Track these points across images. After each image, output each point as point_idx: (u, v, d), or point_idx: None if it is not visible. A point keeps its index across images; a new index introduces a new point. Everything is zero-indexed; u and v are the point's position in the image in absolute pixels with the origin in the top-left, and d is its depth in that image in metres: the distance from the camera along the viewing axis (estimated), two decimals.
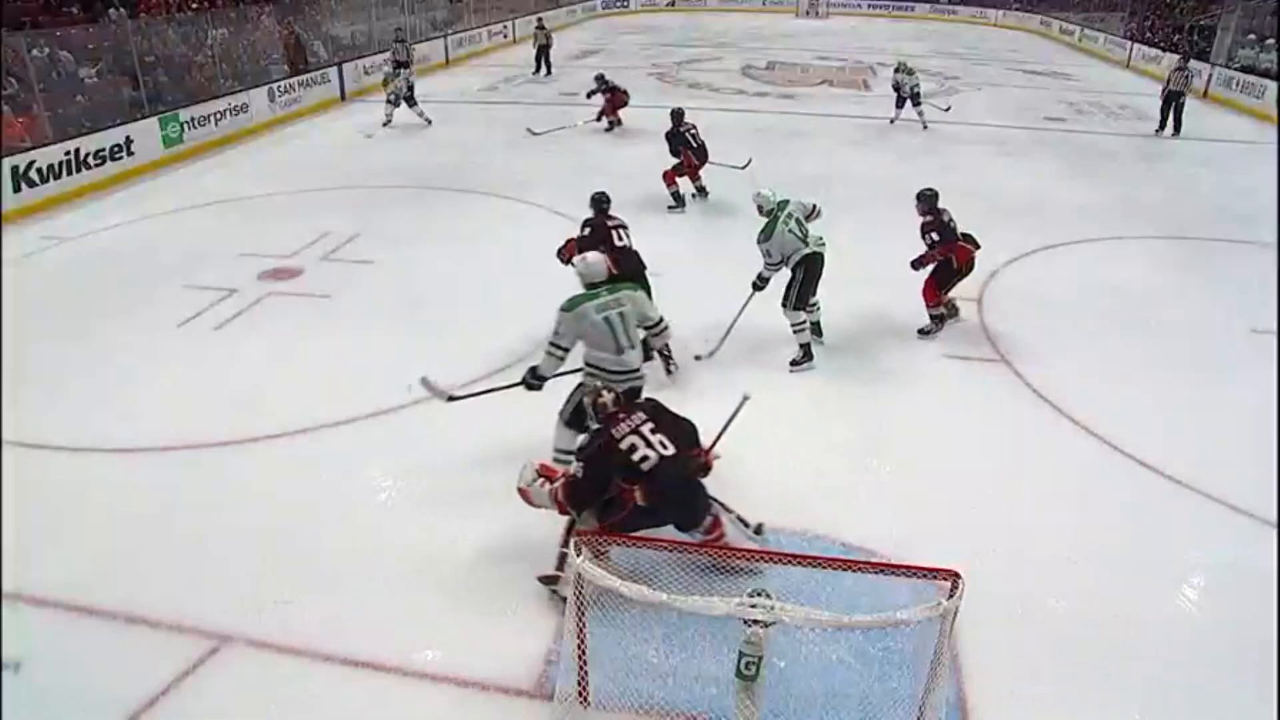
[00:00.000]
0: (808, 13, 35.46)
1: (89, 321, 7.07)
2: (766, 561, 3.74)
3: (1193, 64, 14.77)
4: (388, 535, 4.54)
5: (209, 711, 3.52)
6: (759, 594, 2.77)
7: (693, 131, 10.05)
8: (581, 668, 3.28)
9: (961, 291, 6.89)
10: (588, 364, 4.51)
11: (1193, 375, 6.36)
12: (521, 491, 3.87)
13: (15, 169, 9.71)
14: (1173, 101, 14.23)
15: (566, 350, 4.49)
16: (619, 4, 36.20)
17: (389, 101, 14.03)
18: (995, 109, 16.75)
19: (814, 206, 6.44)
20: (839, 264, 6.46)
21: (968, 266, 6.63)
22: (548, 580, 4.04)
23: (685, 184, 10.16)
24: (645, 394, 4.45)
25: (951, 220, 6.56)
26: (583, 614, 3.12)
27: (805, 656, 3.55)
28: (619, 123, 13.88)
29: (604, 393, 3.96)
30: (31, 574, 4.18)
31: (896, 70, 14.37)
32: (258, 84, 14.43)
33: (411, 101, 14.07)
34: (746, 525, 4.36)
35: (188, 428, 5.48)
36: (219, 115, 13.06)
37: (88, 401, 5.87)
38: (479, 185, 10.90)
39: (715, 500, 4.08)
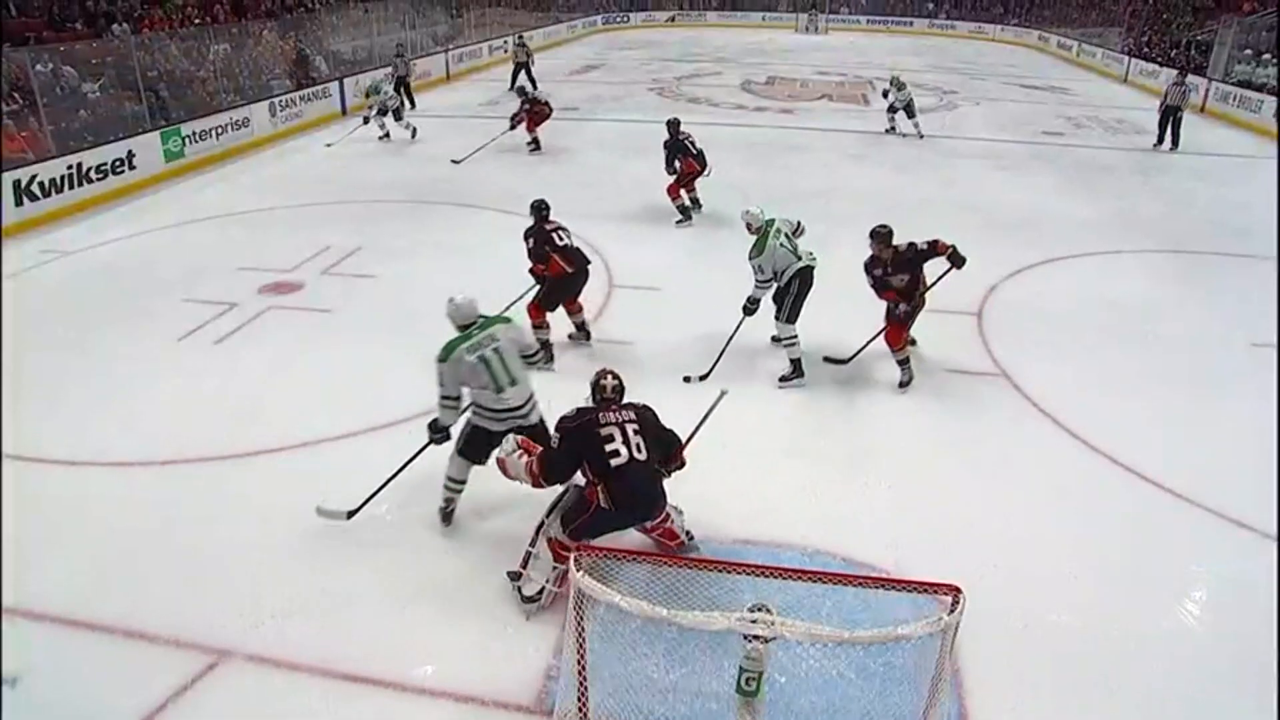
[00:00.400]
0: (807, 28, 35.72)
1: (89, 335, 7.08)
2: (767, 576, 3.73)
3: (1190, 79, 14.83)
4: (387, 549, 4.54)
5: None
6: (759, 609, 2.77)
7: (690, 139, 10.01)
8: (581, 683, 3.27)
9: (961, 305, 6.88)
10: (474, 403, 4.46)
11: (1192, 389, 6.36)
12: (500, 461, 4.13)
13: (17, 183, 9.74)
14: (1170, 116, 14.29)
15: (456, 398, 4.43)
16: (619, 19, 36.44)
17: (379, 113, 13.89)
18: (993, 123, 16.83)
19: (798, 224, 6.53)
20: (838, 276, 6.48)
21: (915, 305, 6.13)
22: (513, 576, 4.12)
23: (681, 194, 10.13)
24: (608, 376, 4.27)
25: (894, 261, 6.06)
26: (582, 629, 3.11)
27: (806, 672, 3.53)
28: (537, 145, 13.42)
29: (607, 376, 4.10)
30: (30, 587, 4.17)
31: (889, 84, 14.89)
32: (259, 98, 14.50)
33: (399, 115, 14.05)
34: (690, 537, 4.36)
35: (187, 441, 5.48)
36: (220, 129, 13.11)
37: (87, 415, 5.87)
38: (477, 199, 10.93)
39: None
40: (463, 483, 4.59)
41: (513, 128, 13.24)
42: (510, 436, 4.19)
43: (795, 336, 6.26)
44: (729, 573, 3.54)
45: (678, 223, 9.97)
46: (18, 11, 13.94)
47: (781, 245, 6.19)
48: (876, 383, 6.34)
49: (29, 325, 7.16)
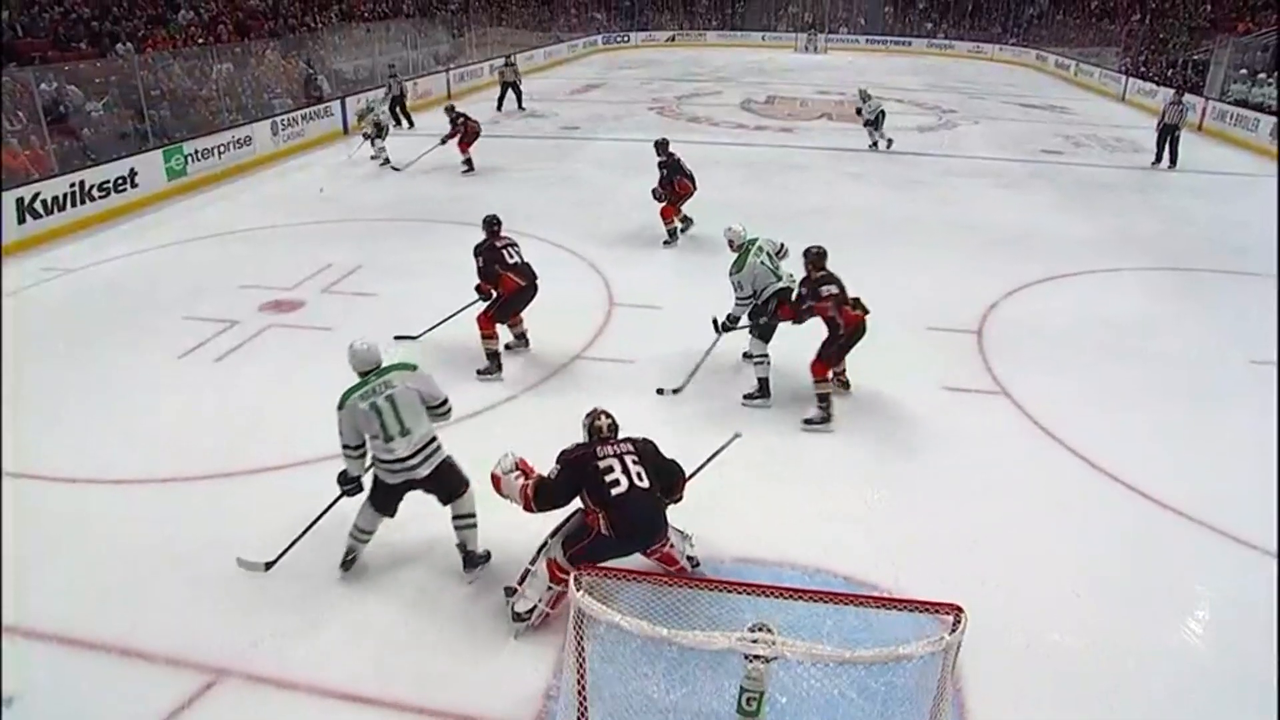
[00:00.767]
0: (807, 48, 36.02)
1: (90, 352, 7.10)
2: (768, 596, 3.72)
3: (1187, 98, 14.95)
4: (386, 568, 4.53)
5: None
6: (760, 628, 2.76)
7: (680, 160, 9.97)
8: (581, 703, 3.25)
9: (961, 323, 6.88)
10: (372, 454, 4.28)
11: (1192, 406, 6.36)
12: (495, 477, 4.08)
13: (20, 200, 9.80)
14: (1168, 134, 14.37)
15: (357, 446, 4.25)
16: (620, 39, 36.71)
17: (375, 137, 13.65)
18: (992, 142, 16.92)
19: (781, 245, 6.54)
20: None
21: (855, 333, 5.87)
22: (509, 592, 4.13)
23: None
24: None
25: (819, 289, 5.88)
26: (582, 648, 3.10)
27: (807, 692, 3.49)
28: (470, 166, 13.37)
29: (600, 417, 4.08)
30: (29, 606, 4.16)
31: (859, 99, 15.31)
32: (261, 117, 14.60)
33: (379, 137, 13.70)
34: (694, 563, 4.38)
35: (187, 459, 5.48)
36: (223, 148, 13.19)
37: (87, 432, 5.87)
38: (478, 218, 10.82)
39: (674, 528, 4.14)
40: (369, 533, 4.42)
41: (443, 143, 13.28)
42: (509, 454, 4.15)
43: (766, 355, 6.23)
44: (730, 592, 3.53)
45: (665, 243, 9.96)
46: (24, 32, 14.06)
47: (762, 264, 6.20)
48: (875, 402, 6.33)
49: (30, 342, 7.18)
